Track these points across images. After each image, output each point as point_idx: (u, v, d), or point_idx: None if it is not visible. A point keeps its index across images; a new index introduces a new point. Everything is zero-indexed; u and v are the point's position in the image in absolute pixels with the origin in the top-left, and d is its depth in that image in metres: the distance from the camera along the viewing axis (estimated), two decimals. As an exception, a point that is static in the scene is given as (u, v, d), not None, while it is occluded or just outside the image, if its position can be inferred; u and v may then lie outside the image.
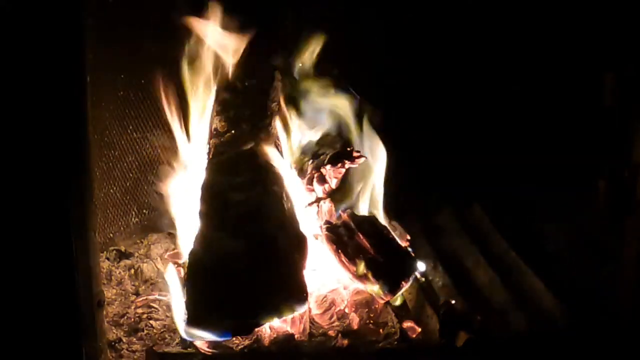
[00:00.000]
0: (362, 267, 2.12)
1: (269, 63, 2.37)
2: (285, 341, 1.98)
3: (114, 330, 2.04)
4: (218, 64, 2.33)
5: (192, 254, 1.98)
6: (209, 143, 2.32)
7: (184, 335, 1.94)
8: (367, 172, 2.39)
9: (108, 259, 2.42)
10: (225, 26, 2.27)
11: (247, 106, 2.32)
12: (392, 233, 2.28)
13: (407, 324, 2.06)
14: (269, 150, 2.23)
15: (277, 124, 2.35)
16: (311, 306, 2.09)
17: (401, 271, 2.13)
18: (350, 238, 2.19)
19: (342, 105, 2.42)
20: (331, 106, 2.44)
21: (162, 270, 2.37)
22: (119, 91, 2.42)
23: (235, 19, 2.30)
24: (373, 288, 2.12)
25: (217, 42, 2.28)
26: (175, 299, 2.05)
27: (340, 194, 2.39)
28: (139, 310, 2.15)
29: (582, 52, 2.29)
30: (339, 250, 2.18)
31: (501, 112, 2.63)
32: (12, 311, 1.62)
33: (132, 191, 2.55)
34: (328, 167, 2.34)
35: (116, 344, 1.99)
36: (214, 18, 2.26)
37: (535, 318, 2.03)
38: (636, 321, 1.90)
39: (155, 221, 2.59)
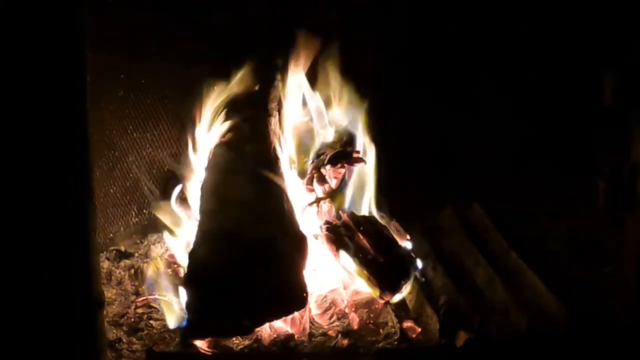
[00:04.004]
0: (358, 269, 2.12)
1: (269, 63, 2.37)
2: (285, 341, 1.98)
3: (114, 330, 2.04)
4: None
5: (192, 254, 1.98)
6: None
7: (185, 335, 1.94)
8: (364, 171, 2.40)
9: (108, 259, 2.42)
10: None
11: (248, 106, 2.32)
12: (392, 233, 2.28)
13: (407, 324, 2.06)
14: (269, 150, 2.23)
15: (277, 123, 2.35)
16: (311, 306, 2.09)
17: (401, 271, 2.14)
18: (350, 238, 2.19)
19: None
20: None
21: (162, 270, 2.37)
22: (119, 91, 2.42)
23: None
24: (373, 288, 2.12)
25: None
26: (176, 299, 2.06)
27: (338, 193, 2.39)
28: (139, 310, 2.15)
29: (582, 51, 2.29)
30: (339, 250, 2.18)
31: (501, 111, 2.63)
32: (12, 311, 1.62)
33: (132, 191, 2.55)
34: (328, 167, 2.35)
35: (116, 344, 1.99)
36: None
37: (535, 318, 2.02)
38: (636, 321, 1.90)
39: (155, 221, 2.59)
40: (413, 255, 2.22)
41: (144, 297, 2.20)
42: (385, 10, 2.57)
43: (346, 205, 2.38)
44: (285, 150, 2.35)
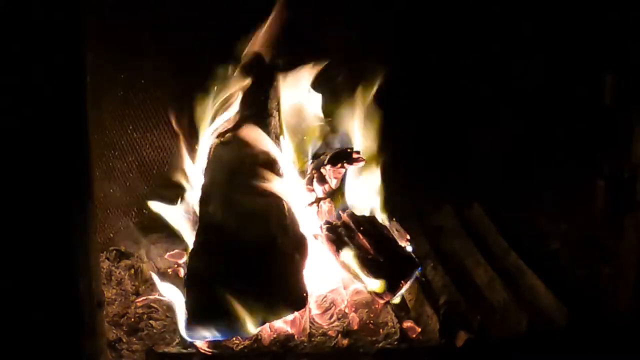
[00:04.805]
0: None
1: (269, 64, 2.37)
2: (285, 341, 1.98)
3: (114, 330, 2.04)
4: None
5: (192, 254, 1.98)
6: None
7: (185, 335, 1.94)
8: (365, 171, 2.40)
9: (108, 259, 2.42)
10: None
11: (248, 107, 2.32)
12: (392, 233, 2.28)
13: (407, 324, 2.07)
14: (269, 150, 2.23)
15: (277, 124, 2.35)
16: (311, 306, 2.09)
17: (401, 271, 2.14)
18: (350, 238, 2.19)
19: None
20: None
21: (162, 270, 2.38)
22: (119, 91, 2.42)
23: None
24: (373, 288, 2.12)
25: None
26: (177, 299, 2.05)
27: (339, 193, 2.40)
28: (139, 310, 2.15)
29: (582, 51, 2.29)
30: (339, 250, 2.18)
31: (502, 111, 2.63)
32: (12, 311, 1.62)
33: (132, 191, 2.55)
34: (328, 167, 2.34)
35: (116, 344, 1.99)
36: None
37: (535, 318, 2.03)
38: (636, 321, 1.90)
39: (155, 221, 2.59)
40: (413, 255, 2.22)
41: (144, 297, 2.20)
42: (385, 10, 2.56)
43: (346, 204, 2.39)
44: (285, 150, 2.35)
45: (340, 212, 2.32)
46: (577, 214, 2.34)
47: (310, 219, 2.31)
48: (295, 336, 2.00)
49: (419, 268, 2.19)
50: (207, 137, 2.33)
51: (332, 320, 2.08)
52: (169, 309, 2.14)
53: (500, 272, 2.24)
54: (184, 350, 1.96)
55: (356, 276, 2.15)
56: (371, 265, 2.13)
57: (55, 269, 1.61)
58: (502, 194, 2.62)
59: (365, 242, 2.18)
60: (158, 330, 2.07)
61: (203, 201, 2.10)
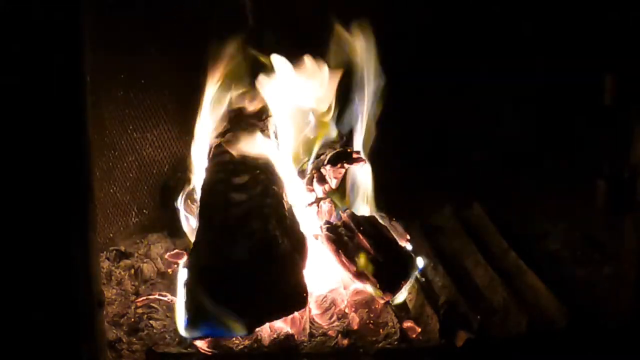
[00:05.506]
0: (363, 261, 2.12)
1: (269, 63, 2.37)
2: (285, 341, 1.98)
3: (114, 330, 2.04)
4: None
5: (192, 254, 1.98)
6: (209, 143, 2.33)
7: (185, 335, 1.94)
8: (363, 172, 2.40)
9: (108, 259, 2.42)
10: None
11: (248, 106, 2.33)
12: (392, 233, 2.28)
13: (407, 324, 2.06)
14: (269, 150, 2.23)
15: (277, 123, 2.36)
16: (311, 306, 2.09)
17: (401, 271, 2.14)
18: (350, 238, 2.19)
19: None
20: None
21: (163, 270, 2.38)
22: (119, 91, 2.42)
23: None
24: (373, 288, 2.12)
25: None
26: (178, 298, 2.05)
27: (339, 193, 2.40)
28: (139, 310, 2.15)
29: (582, 51, 2.29)
30: (339, 250, 2.18)
31: (502, 111, 2.63)
32: (12, 311, 1.62)
33: (132, 191, 2.55)
34: (328, 167, 2.34)
35: (116, 344, 1.99)
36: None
37: (535, 318, 2.03)
38: (636, 321, 1.90)
39: (155, 221, 2.59)
40: (413, 255, 2.22)
41: (144, 297, 2.20)
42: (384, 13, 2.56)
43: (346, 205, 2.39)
44: (286, 150, 2.35)
45: (340, 212, 2.32)
46: (577, 214, 2.34)
47: (310, 219, 2.31)
48: (295, 336, 2.00)
49: (419, 268, 2.19)
50: (208, 137, 2.33)
51: (332, 320, 2.08)
52: (169, 309, 2.14)
53: (500, 272, 2.25)
54: (184, 350, 1.96)
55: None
56: (371, 265, 2.13)
57: (55, 269, 1.61)
58: (502, 194, 2.62)
59: (365, 242, 2.18)
60: (158, 330, 2.07)
61: (203, 201, 2.10)
